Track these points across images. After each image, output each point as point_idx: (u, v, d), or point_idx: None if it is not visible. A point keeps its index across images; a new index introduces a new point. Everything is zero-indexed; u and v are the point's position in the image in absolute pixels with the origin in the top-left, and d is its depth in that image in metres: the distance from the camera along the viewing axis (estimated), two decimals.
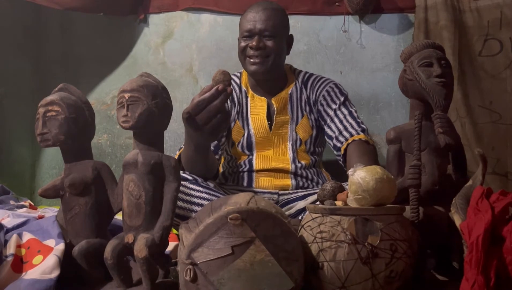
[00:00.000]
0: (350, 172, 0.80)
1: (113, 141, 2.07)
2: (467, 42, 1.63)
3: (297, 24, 1.90)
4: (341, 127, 1.37)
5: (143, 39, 2.06)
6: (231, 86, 0.99)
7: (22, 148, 2.05)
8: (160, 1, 2.02)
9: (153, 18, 2.04)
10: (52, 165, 2.11)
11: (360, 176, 0.77)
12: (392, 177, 0.81)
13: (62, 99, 0.83)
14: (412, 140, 0.94)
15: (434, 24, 1.68)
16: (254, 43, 1.38)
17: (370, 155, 1.25)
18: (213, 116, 0.99)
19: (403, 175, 0.97)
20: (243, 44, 1.42)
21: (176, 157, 1.34)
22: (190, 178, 1.23)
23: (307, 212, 0.87)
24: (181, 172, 1.23)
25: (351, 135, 1.34)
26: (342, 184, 1.24)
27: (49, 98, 0.85)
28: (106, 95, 2.08)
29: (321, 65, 1.90)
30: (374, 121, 1.86)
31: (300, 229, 0.84)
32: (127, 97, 0.78)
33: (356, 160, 1.23)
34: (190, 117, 0.98)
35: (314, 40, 1.91)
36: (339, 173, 1.46)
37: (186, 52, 2.02)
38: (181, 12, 2.01)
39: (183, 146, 1.38)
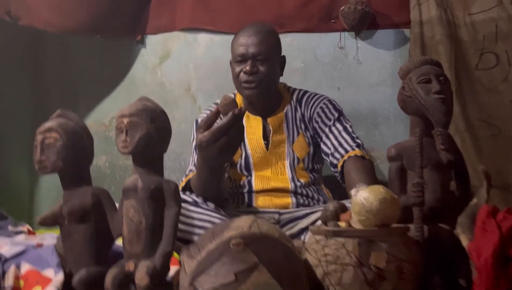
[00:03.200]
0: (352, 192, 0.80)
1: (112, 162, 2.06)
2: (463, 56, 1.63)
3: (294, 41, 1.91)
4: (336, 143, 1.37)
5: (141, 59, 2.06)
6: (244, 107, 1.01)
7: (20, 171, 2.04)
8: (157, 22, 2.03)
9: (150, 39, 2.05)
10: (51, 187, 2.10)
11: (363, 196, 0.76)
12: (396, 196, 0.80)
13: (60, 125, 0.83)
14: (414, 158, 0.93)
15: (429, 39, 1.69)
16: (248, 68, 1.38)
17: (367, 171, 1.25)
18: (233, 141, 1.00)
19: (406, 193, 0.96)
20: (237, 69, 1.41)
21: (183, 184, 1.33)
22: (189, 199, 1.21)
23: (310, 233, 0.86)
24: (181, 194, 1.22)
25: (346, 151, 1.34)
26: (344, 201, 1.24)
27: (47, 125, 0.84)
28: (105, 116, 2.08)
29: (318, 81, 1.90)
30: (373, 137, 1.85)
31: (304, 251, 0.82)
32: (126, 122, 0.78)
33: (354, 176, 1.22)
34: (208, 146, 0.99)
35: (311, 57, 1.91)
36: (339, 188, 1.45)
37: (183, 72, 2.02)
38: (178, 32, 2.02)
39: (191, 171, 1.37)
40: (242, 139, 1.03)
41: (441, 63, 1.00)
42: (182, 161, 2.00)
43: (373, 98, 1.86)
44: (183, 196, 1.22)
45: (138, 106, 0.79)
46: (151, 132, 0.78)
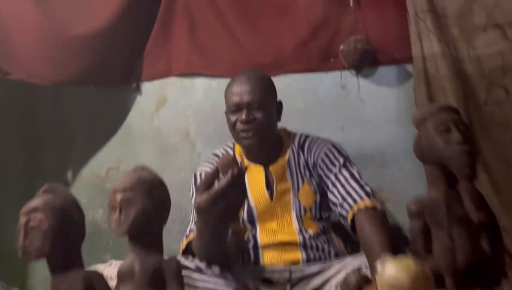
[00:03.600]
0: (378, 265, 0.71)
1: None
2: (471, 91, 1.58)
3: (293, 82, 1.85)
4: (344, 193, 1.29)
5: (137, 107, 2.00)
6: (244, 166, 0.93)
7: (13, 231, 1.93)
8: (152, 68, 1.98)
9: (146, 86, 2.00)
10: None
11: (392, 273, 0.68)
12: (428, 271, 0.71)
13: (46, 204, 0.75)
14: (438, 214, 0.85)
15: (434, 75, 1.63)
16: (243, 116, 1.32)
17: (381, 226, 1.17)
18: (234, 203, 0.92)
19: (430, 251, 0.87)
20: (232, 119, 1.35)
21: (184, 246, 1.24)
22: (192, 266, 1.12)
23: None
24: (183, 259, 1.13)
25: (356, 201, 1.25)
26: (358, 258, 1.14)
27: (32, 204, 0.76)
28: (101, 167, 2.00)
29: (321, 122, 1.84)
30: (382, 176, 1.77)
31: None
32: (119, 199, 0.70)
33: (368, 234, 1.14)
34: (207, 211, 0.91)
35: (312, 97, 1.86)
36: (351, 236, 1.35)
37: (181, 117, 1.96)
38: (174, 78, 1.97)
39: (191, 231, 1.29)
40: (244, 200, 0.95)
41: (458, 110, 0.93)
42: (182, 211, 1.90)
43: (379, 137, 1.79)
44: (184, 262, 1.13)
45: (132, 179, 0.71)
46: (148, 208, 0.70)
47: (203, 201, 0.90)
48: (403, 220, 1.74)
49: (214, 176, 0.95)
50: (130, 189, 0.70)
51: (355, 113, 1.81)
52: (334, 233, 1.45)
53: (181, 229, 1.90)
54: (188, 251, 1.22)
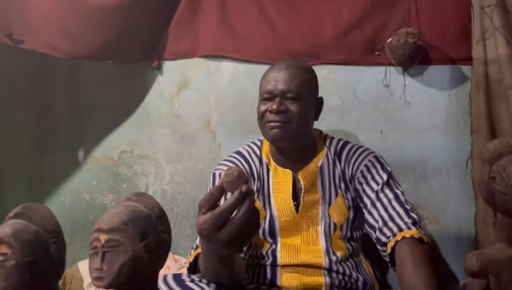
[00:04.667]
0: None
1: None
2: None
3: (330, 75, 1.65)
4: (386, 216, 1.10)
5: (156, 88, 1.84)
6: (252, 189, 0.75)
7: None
8: (176, 47, 1.80)
9: (168, 65, 1.83)
10: None
11: None
12: None
13: (15, 234, 0.59)
14: (505, 278, 0.67)
15: (497, 83, 1.41)
16: (274, 106, 1.15)
17: (426, 263, 0.97)
18: (243, 228, 0.74)
19: None
20: (262, 108, 1.19)
21: (191, 259, 1.09)
22: None
23: None
24: (188, 281, 0.98)
25: (400, 229, 1.06)
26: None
27: None
28: (114, 150, 1.86)
29: (357, 123, 1.64)
30: (421, 191, 1.58)
31: None
32: (103, 242, 0.54)
33: (410, 271, 0.96)
34: (210, 234, 0.74)
35: (350, 94, 1.65)
36: (382, 261, 1.18)
37: (203, 104, 1.79)
38: (199, 59, 1.79)
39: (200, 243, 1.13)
40: (257, 225, 0.77)
41: None
42: (197, 205, 1.75)
43: (422, 145, 1.58)
44: (191, 285, 0.98)
45: (123, 215, 0.55)
46: (140, 256, 0.54)
47: (205, 222, 0.74)
48: (442, 242, 1.56)
49: (219, 191, 0.78)
50: (118, 229, 0.53)
51: (397, 116, 1.61)
52: (363, 256, 1.28)
53: (193, 224, 1.77)
54: (195, 268, 1.07)
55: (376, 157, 1.23)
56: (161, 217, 0.60)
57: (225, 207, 0.73)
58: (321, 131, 1.32)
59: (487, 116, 1.40)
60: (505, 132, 1.37)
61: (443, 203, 1.56)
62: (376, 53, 1.62)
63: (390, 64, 1.60)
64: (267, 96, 1.18)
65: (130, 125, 1.85)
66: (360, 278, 1.19)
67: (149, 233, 0.56)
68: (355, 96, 1.65)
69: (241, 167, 1.25)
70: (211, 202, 0.76)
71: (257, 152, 1.28)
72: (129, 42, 1.74)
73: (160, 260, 0.59)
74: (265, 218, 1.22)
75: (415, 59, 1.54)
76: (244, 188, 0.74)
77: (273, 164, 1.26)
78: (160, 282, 0.97)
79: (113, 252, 0.53)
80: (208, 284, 0.99)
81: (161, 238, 0.58)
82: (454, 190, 1.55)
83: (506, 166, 0.70)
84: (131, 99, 1.85)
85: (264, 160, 1.26)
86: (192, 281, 0.99)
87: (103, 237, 0.54)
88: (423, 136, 1.59)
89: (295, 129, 1.17)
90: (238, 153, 1.31)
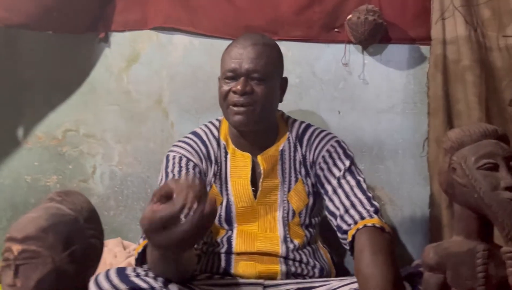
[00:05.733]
0: None
1: (64, 184, 1.72)
2: (495, 88, 1.35)
3: (288, 52, 1.58)
4: (347, 203, 1.06)
5: (104, 62, 1.71)
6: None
7: None
8: (125, 17, 1.67)
9: (116, 37, 1.70)
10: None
11: None
12: None
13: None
14: (463, 272, 0.64)
15: (454, 63, 1.39)
16: (239, 87, 1.07)
17: (385, 252, 0.94)
18: (189, 234, 0.66)
19: None
20: (225, 87, 1.11)
21: (140, 248, 1.01)
22: (145, 286, 0.90)
23: None
24: (133, 275, 0.92)
25: (361, 217, 1.02)
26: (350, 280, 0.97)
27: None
28: (57, 128, 1.73)
29: (315, 102, 1.59)
30: (377, 172, 1.57)
31: None
32: (16, 253, 0.45)
33: (369, 260, 0.92)
34: (150, 232, 0.66)
35: (308, 72, 1.60)
36: (340, 248, 1.15)
37: (155, 79, 1.68)
38: (150, 31, 1.67)
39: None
40: (206, 230, 0.70)
41: (508, 137, 0.70)
42: (148, 187, 1.68)
43: (380, 126, 1.57)
44: (136, 281, 0.91)
45: (41, 220, 0.46)
46: (62, 268, 0.46)
47: (145, 218, 0.66)
48: (396, 223, 1.56)
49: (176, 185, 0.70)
50: (34, 238, 0.44)
51: (355, 96, 1.58)
52: (321, 241, 1.26)
53: (145, 207, 1.67)
54: (144, 258, 1.00)
55: (338, 142, 1.18)
56: (91, 220, 0.52)
57: (171, 213, 0.65)
58: (283, 113, 1.26)
59: (444, 98, 1.39)
60: (461, 114, 1.37)
61: (398, 184, 1.56)
62: (336, 30, 1.57)
63: (349, 42, 1.55)
64: (230, 74, 1.10)
65: (75, 101, 1.72)
66: (317, 265, 1.16)
67: (75, 239, 0.48)
68: (313, 75, 1.60)
69: (198, 148, 1.18)
70: (162, 193, 0.69)
71: (215, 133, 1.21)
72: (72, 10, 1.59)
73: (88, 270, 0.51)
74: (221, 204, 1.16)
75: (374, 38, 1.50)
76: (208, 207, 0.66)
77: (231, 146, 1.19)
78: (102, 278, 0.90)
79: (29, 265, 0.44)
80: (155, 278, 0.93)
81: (90, 244, 0.50)
82: (409, 171, 1.55)
83: (467, 156, 0.67)
84: (76, 73, 1.71)
85: (222, 142, 1.19)
86: (138, 275, 0.92)
87: (16, 248, 0.45)
88: (381, 116, 1.57)
89: (259, 113, 1.10)
90: (195, 133, 1.23)
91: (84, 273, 0.50)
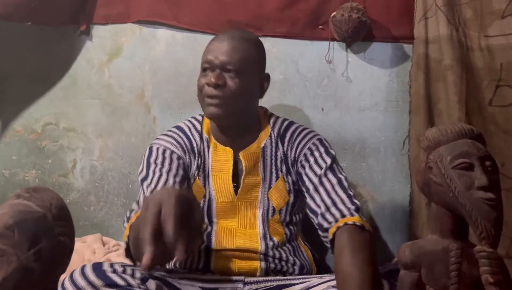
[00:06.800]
0: None
1: (43, 179, 1.69)
2: (476, 87, 1.36)
3: (273, 48, 1.58)
4: (328, 202, 1.06)
5: (85, 55, 1.68)
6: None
7: None
8: (107, 10, 1.65)
9: (98, 30, 1.67)
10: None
11: None
12: None
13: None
14: (439, 270, 0.65)
15: (436, 62, 1.40)
16: (212, 79, 1.06)
17: (365, 251, 0.94)
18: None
19: None
20: (202, 80, 1.10)
21: (128, 231, 0.96)
22: (122, 283, 0.89)
23: None
24: (109, 271, 0.90)
25: (342, 215, 1.02)
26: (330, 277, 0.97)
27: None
28: (36, 122, 1.70)
29: (299, 99, 1.59)
30: (359, 170, 1.57)
31: None
32: None
33: (349, 257, 0.92)
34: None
35: (292, 69, 1.59)
36: (322, 245, 1.15)
37: (137, 74, 1.66)
38: (133, 24, 1.65)
39: (133, 211, 1.02)
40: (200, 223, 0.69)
41: (483, 137, 0.70)
42: (129, 183, 1.66)
43: (362, 124, 1.57)
44: (113, 277, 0.90)
45: (6, 217, 0.45)
46: (28, 266, 0.45)
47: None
48: (378, 220, 1.57)
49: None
50: (0, 235, 0.44)
51: (339, 94, 1.58)
52: (302, 239, 1.25)
53: (126, 202, 1.67)
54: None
55: (320, 140, 1.18)
56: (60, 217, 0.50)
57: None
58: (266, 110, 1.25)
59: (425, 97, 1.40)
60: (441, 113, 1.37)
61: (380, 182, 1.57)
62: (320, 27, 1.56)
63: (333, 39, 1.55)
64: (206, 66, 1.09)
65: (55, 95, 1.69)
66: (297, 262, 1.16)
67: (42, 237, 0.47)
68: (297, 72, 1.59)
69: (181, 141, 1.17)
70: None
71: (198, 127, 1.20)
72: (52, 1, 1.56)
73: (57, 269, 0.49)
74: (204, 197, 1.15)
75: (358, 35, 1.50)
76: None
77: (213, 140, 1.18)
78: (77, 275, 0.88)
79: None
80: (132, 276, 0.91)
81: (59, 242, 0.49)
82: (391, 169, 1.56)
83: (443, 155, 0.67)
84: (56, 66, 1.68)
85: (205, 135, 1.18)
86: (115, 271, 0.91)
87: None
88: (363, 114, 1.57)
89: (232, 107, 1.09)
90: (178, 127, 1.22)
91: (52, 272, 0.49)
